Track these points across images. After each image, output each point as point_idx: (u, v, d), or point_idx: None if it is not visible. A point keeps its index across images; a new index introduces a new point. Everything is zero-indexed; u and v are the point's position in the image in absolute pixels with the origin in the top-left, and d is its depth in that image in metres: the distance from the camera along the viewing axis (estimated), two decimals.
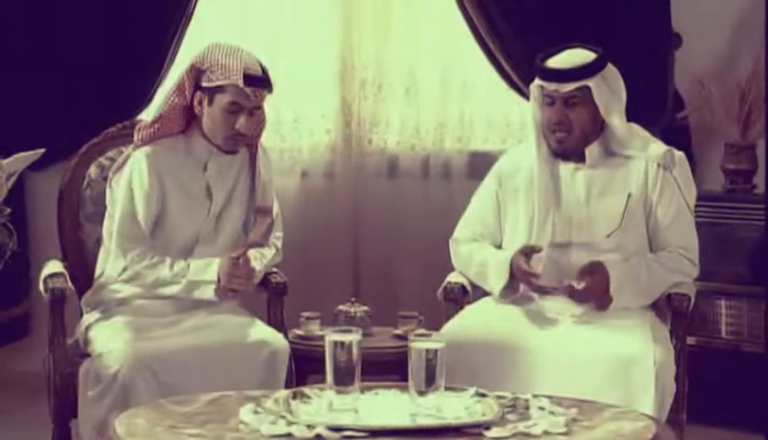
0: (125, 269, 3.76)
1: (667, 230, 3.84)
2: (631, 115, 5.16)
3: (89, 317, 3.87)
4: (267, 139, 5.11)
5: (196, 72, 3.77)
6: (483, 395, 3.05)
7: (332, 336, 2.91)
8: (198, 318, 3.79)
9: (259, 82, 3.76)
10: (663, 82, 5.18)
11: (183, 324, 3.76)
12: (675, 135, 5.20)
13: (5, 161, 4.03)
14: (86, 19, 4.93)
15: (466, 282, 3.96)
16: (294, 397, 3.00)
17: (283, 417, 2.84)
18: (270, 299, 4.02)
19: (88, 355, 3.71)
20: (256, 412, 2.89)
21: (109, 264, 3.87)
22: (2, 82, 4.90)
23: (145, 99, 4.98)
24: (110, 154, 4.16)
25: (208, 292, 3.76)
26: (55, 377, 3.71)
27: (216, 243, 3.86)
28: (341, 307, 4.31)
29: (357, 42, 5.23)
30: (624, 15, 5.14)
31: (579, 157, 3.87)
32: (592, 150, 3.85)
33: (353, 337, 2.90)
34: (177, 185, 3.81)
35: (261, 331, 3.75)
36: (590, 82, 3.76)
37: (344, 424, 2.80)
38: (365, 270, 5.28)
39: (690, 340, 4.82)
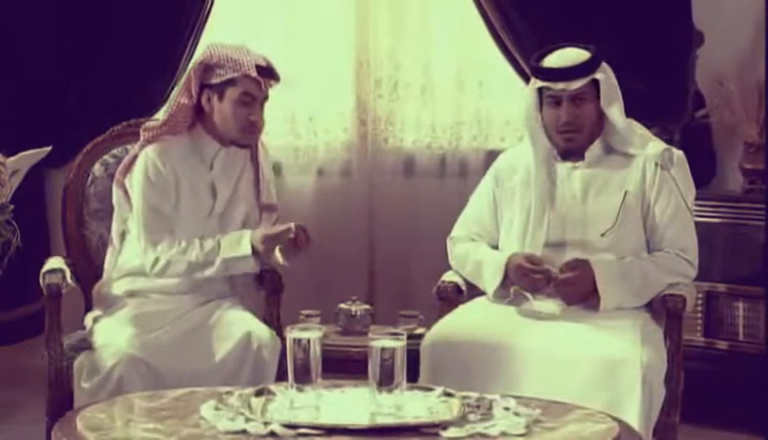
0: (157, 261, 3.78)
1: (665, 230, 3.80)
2: (652, 114, 5.13)
3: (95, 311, 3.94)
4: (282, 137, 5.21)
5: (204, 70, 3.83)
6: (450, 395, 3.03)
7: (291, 334, 2.92)
8: (198, 314, 3.84)
9: (269, 72, 3.85)
10: (683, 80, 5.11)
11: (184, 320, 3.80)
12: (696, 134, 5.14)
13: (10, 159, 4.10)
14: (104, 21, 4.97)
15: (460, 282, 3.95)
16: (259, 394, 3.01)
17: (242, 414, 2.86)
18: (267, 296, 4.04)
19: (91, 347, 3.76)
20: (216, 409, 2.91)
21: (123, 257, 3.94)
22: (21, 81, 4.95)
23: (161, 99, 5.00)
24: (115, 152, 4.21)
25: (246, 266, 3.81)
26: (50, 371, 3.76)
27: None
28: (342, 305, 4.32)
29: (373, 40, 5.23)
30: (644, 12, 5.07)
31: (578, 156, 3.84)
32: (593, 149, 3.82)
33: (311, 335, 2.90)
34: (186, 181, 3.86)
35: (252, 327, 3.76)
36: (598, 76, 3.73)
37: (300, 422, 2.80)
38: (380, 269, 5.28)
39: (706, 343, 4.83)
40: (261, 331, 3.76)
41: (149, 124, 3.93)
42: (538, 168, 3.83)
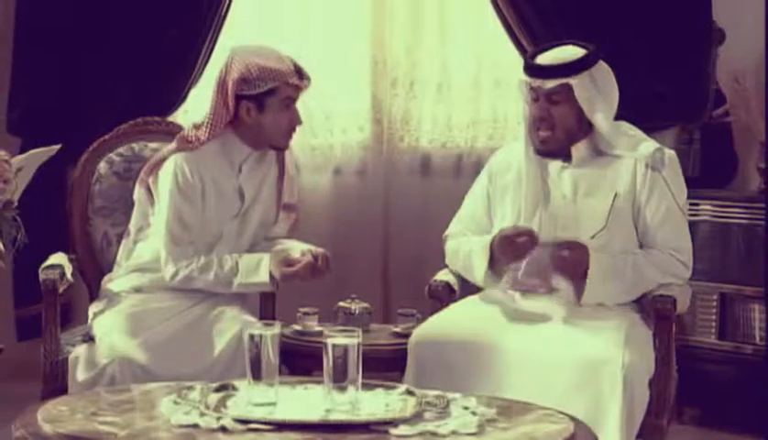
0: (176, 274, 3.84)
1: (657, 232, 3.77)
2: (671, 113, 5.08)
3: (97, 304, 4.01)
4: (299, 136, 5.20)
5: (241, 84, 3.81)
6: (411, 393, 3.04)
7: (247, 330, 2.95)
8: (195, 311, 3.87)
9: (304, 72, 3.88)
10: (703, 79, 5.04)
11: (180, 317, 3.85)
12: (717, 134, 5.07)
13: (17, 158, 4.18)
14: (122, 20, 5.01)
15: (452, 281, 3.96)
16: (221, 389, 3.04)
17: (197, 408, 2.89)
18: (262, 293, 4.07)
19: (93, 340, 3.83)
20: (175, 403, 2.95)
21: (138, 251, 4.00)
22: (40, 79, 5.02)
23: (179, 98, 5.06)
24: (120, 150, 4.28)
25: (262, 289, 3.91)
26: (45, 364, 3.84)
27: (239, 240, 3.96)
28: (341, 303, 4.31)
29: (389, 38, 5.22)
30: (663, 10, 5.02)
31: (566, 156, 3.82)
32: (579, 149, 3.80)
33: (264, 331, 2.93)
34: (214, 187, 3.90)
35: (242, 323, 3.79)
36: (571, 81, 3.71)
37: (252, 417, 2.83)
38: (395, 268, 5.27)
39: (723, 345, 4.76)
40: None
41: (188, 135, 3.91)
42: (529, 165, 3.82)
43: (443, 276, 3.97)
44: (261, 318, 3.99)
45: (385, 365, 3.98)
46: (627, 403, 3.46)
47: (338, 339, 2.88)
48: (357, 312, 4.28)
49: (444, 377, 3.59)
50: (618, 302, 3.70)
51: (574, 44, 3.82)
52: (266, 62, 3.81)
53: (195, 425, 2.80)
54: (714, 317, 4.77)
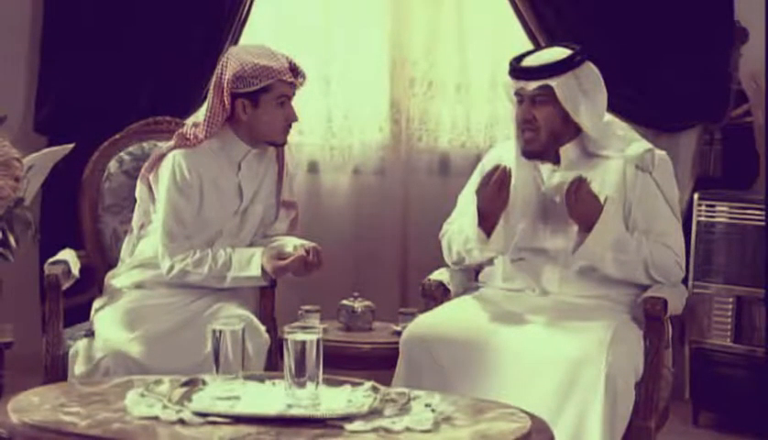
0: (172, 268, 3.91)
1: (647, 234, 3.72)
2: (691, 113, 5.03)
3: (100, 300, 4.09)
4: (318, 136, 5.28)
5: (236, 82, 3.87)
6: (376, 390, 3.05)
7: (210, 326, 3.00)
8: (194, 307, 3.93)
9: (297, 70, 3.92)
10: (723, 78, 4.98)
11: (178, 313, 3.91)
12: (738, 134, 5.01)
13: (28, 156, 4.26)
14: (146, 22, 5.08)
15: (445, 280, 3.96)
16: (188, 383, 3.09)
17: (161, 401, 2.95)
18: (262, 291, 4.11)
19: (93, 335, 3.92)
20: (142, 396, 3.00)
21: (140, 247, 4.06)
22: (67, 79, 5.11)
23: (200, 98, 5.12)
24: (130, 149, 4.35)
25: (255, 283, 3.96)
26: (47, 358, 3.92)
27: (238, 237, 4.02)
28: (344, 301, 4.36)
29: (408, 39, 5.24)
30: (684, 9, 4.97)
31: (555, 158, 3.80)
32: (567, 151, 3.78)
33: (225, 328, 2.97)
34: (212, 185, 3.96)
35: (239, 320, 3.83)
36: (552, 82, 3.69)
37: (211, 411, 2.87)
38: (413, 268, 5.27)
39: (739, 348, 4.70)
40: (248, 325, 3.83)
41: (186, 133, 3.98)
42: (521, 167, 3.81)
43: (437, 275, 3.98)
44: (261, 315, 4.02)
45: (383, 363, 4.02)
46: (609, 403, 3.44)
47: (297, 336, 2.90)
48: (360, 310, 4.32)
49: (434, 375, 3.61)
50: (606, 273, 3.67)
51: (563, 46, 3.82)
52: (260, 60, 3.86)
53: (155, 418, 2.85)
54: (730, 320, 4.71)
